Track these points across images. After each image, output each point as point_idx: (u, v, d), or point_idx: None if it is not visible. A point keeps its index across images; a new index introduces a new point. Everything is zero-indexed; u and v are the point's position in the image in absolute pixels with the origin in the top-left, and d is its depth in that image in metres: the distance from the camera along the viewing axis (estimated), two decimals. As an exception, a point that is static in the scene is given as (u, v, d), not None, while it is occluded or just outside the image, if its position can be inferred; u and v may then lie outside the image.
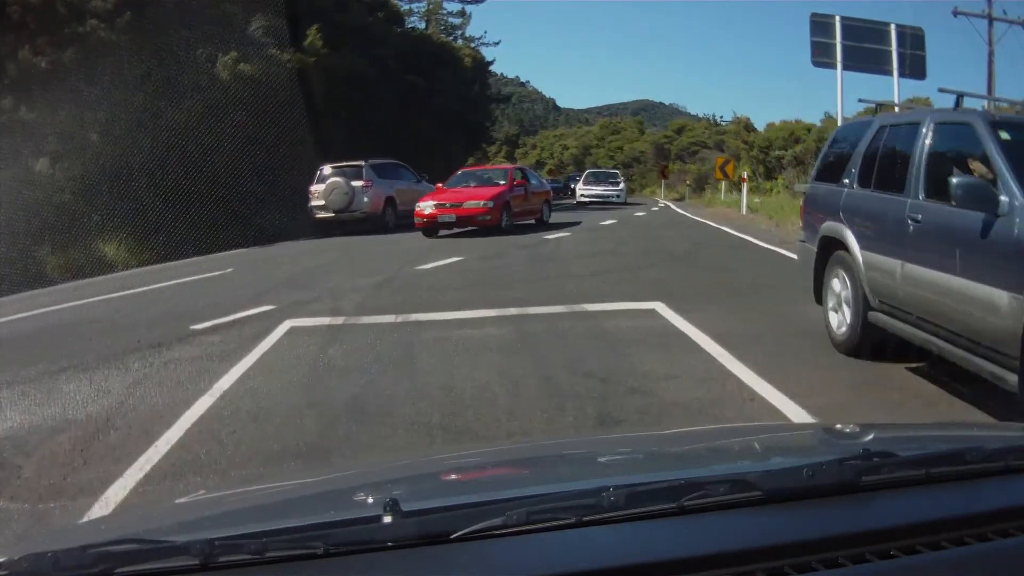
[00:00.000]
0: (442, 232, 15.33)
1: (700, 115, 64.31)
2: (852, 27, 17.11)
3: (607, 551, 1.05)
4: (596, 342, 5.60)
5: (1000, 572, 1.05)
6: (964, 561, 1.04)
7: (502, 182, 15.98)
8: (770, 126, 36.27)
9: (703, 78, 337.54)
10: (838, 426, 2.52)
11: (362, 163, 17.77)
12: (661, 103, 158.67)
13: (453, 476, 1.67)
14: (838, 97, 17.00)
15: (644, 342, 5.58)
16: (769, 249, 12.07)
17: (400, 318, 6.71)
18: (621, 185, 30.28)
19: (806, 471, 1.19)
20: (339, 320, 6.82)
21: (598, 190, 29.20)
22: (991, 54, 26.74)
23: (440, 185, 16.53)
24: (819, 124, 33.33)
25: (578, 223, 17.65)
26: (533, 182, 17.61)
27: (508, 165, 16.29)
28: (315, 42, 20.42)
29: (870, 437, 1.71)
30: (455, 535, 1.06)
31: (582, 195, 29.18)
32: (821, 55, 16.83)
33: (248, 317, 7.29)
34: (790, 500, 1.17)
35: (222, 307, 7.85)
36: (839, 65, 16.80)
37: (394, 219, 17.68)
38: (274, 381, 5.04)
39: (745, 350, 5.24)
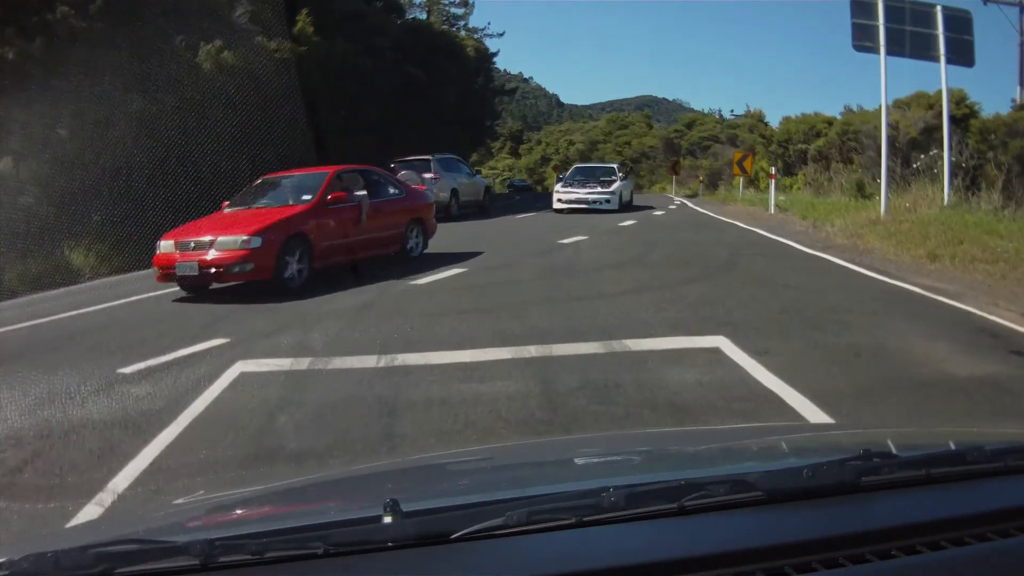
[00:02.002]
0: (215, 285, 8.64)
1: (705, 110, 62.65)
2: (895, 8, 15.49)
3: (607, 551, 1.03)
4: (656, 411, 3.96)
5: (1000, 572, 1.03)
6: (964, 561, 1.03)
7: (307, 197, 9.25)
8: (786, 120, 34.71)
9: (706, 73, 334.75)
10: (838, 427, 2.79)
11: (429, 157, 19.38)
12: (664, 99, 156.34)
13: (453, 476, 1.65)
14: (882, 84, 15.36)
15: (722, 410, 3.95)
16: (820, 257, 10.52)
17: (383, 361, 5.10)
18: (614, 186, 20.94)
19: (806, 471, 1.19)
20: (303, 363, 5.22)
21: (581, 193, 20.61)
22: (1023, 44, 25.12)
23: (227, 203, 10.11)
24: (839, 116, 31.80)
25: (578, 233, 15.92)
26: (392, 191, 10.73)
27: (331, 167, 10.29)
28: (305, 28, 18.80)
29: (870, 438, 1.77)
30: (455, 535, 1.04)
31: (559, 200, 20.69)
32: (863, 38, 15.16)
33: (192, 355, 5.73)
34: (790, 500, 1.16)
35: (167, 338, 6.31)
36: (882, 50, 15.13)
37: (457, 209, 19.58)
38: (193, 479, 3.48)
39: (867, 423, 3.64)
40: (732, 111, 63.77)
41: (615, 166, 24.14)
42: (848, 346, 5.49)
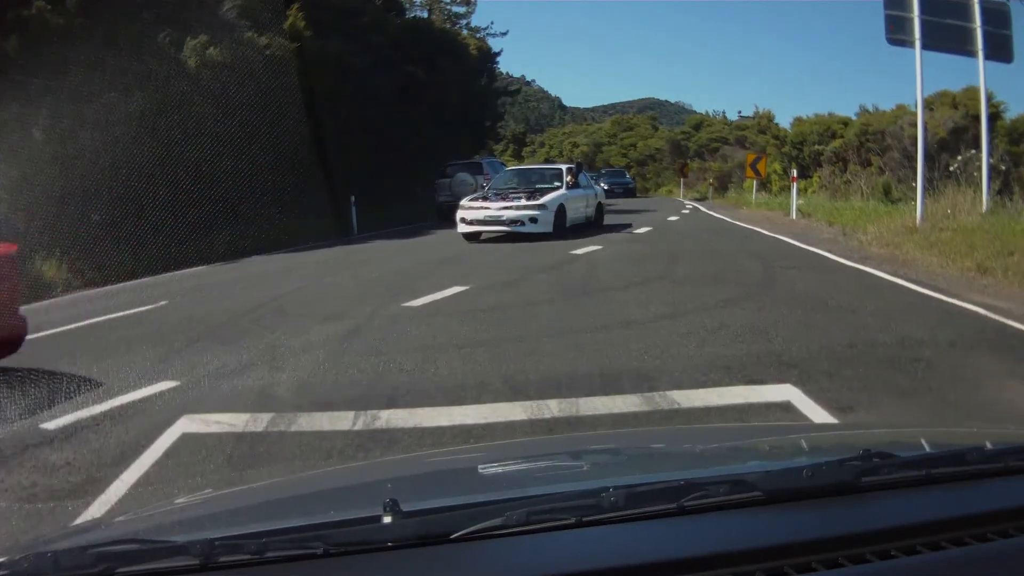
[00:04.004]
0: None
1: (708, 112, 61.39)
2: (931, 0, 14.42)
3: (607, 551, 1.03)
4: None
5: (1000, 572, 1.03)
6: (964, 561, 1.02)
7: None
8: (798, 120, 33.64)
9: (709, 76, 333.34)
10: (838, 427, 2.91)
11: (480, 160, 21.51)
12: (667, 101, 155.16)
13: (453, 476, 1.62)
14: (917, 81, 14.20)
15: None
16: (861, 270, 9.48)
17: (361, 420, 3.98)
18: (548, 198, 14.04)
19: (806, 471, 1.18)
20: (262, 421, 4.10)
21: (492, 209, 13.88)
22: (1048, 40, 24.01)
23: None
24: (855, 117, 30.73)
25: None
26: None
27: None
28: (296, 23, 17.72)
29: (870, 438, 1.78)
30: (455, 535, 1.04)
31: (462, 220, 14.14)
32: (897, 31, 14.04)
33: (132, 404, 4.65)
34: (790, 500, 1.16)
35: (109, 379, 5.25)
36: (917, 43, 14.01)
37: None
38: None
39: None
40: (739, 112, 62.53)
41: (563, 168, 15.75)
42: (941, 397, 4.42)
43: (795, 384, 4.35)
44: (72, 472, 3.70)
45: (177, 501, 1.88)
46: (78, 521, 2.96)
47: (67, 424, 4.40)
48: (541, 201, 13.84)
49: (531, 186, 14.78)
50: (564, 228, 14.12)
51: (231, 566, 0.99)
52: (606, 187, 36.86)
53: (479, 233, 14.02)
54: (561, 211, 14.11)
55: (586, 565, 0.98)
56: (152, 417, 4.38)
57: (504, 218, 13.70)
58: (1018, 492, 1.20)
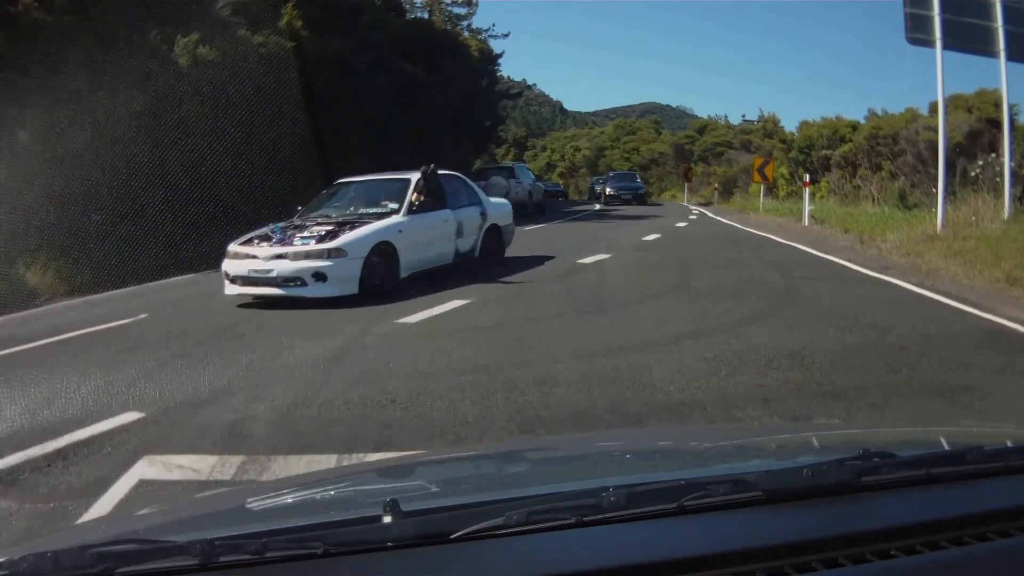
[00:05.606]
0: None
1: (710, 117, 60.92)
2: (952, -1, 13.94)
3: (607, 551, 1.02)
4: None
5: (1000, 572, 1.02)
6: (964, 561, 1.01)
7: None
8: (805, 124, 33.05)
9: (710, 80, 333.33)
10: (838, 427, 2.90)
11: (512, 165, 24.04)
12: (668, 105, 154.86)
13: (453, 476, 1.62)
14: (938, 81, 13.70)
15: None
16: (885, 281, 9.02)
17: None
18: (364, 231, 8.37)
19: (806, 471, 1.17)
20: (231, 465, 3.56)
21: (259, 259, 8.19)
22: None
23: None
24: (863, 121, 30.19)
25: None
26: None
27: None
28: (293, 22, 17.21)
29: (870, 438, 1.80)
30: (455, 535, 1.03)
31: (226, 274, 8.47)
32: (917, 30, 13.55)
33: (90, 440, 4.12)
34: (790, 500, 1.15)
35: (70, 408, 4.73)
36: (938, 43, 13.50)
37: (532, 207, 22.53)
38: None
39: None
40: (743, 116, 62.18)
41: (411, 178, 9.53)
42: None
43: (844, 421, 3.81)
44: (13, 521, 3.18)
45: (177, 501, 1.86)
46: (79, 522, 2.93)
47: (15, 464, 3.86)
48: (336, 243, 8.15)
49: (355, 211, 9.30)
50: (396, 280, 8.57)
51: (231, 566, 0.99)
52: (612, 192, 34.47)
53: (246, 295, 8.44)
54: (385, 255, 8.46)
55: (586, 565, 0.98)
56: (110, 457, 3.86)
57: (275, 274, 8.09)
58: (1018, 492, 1.19)
